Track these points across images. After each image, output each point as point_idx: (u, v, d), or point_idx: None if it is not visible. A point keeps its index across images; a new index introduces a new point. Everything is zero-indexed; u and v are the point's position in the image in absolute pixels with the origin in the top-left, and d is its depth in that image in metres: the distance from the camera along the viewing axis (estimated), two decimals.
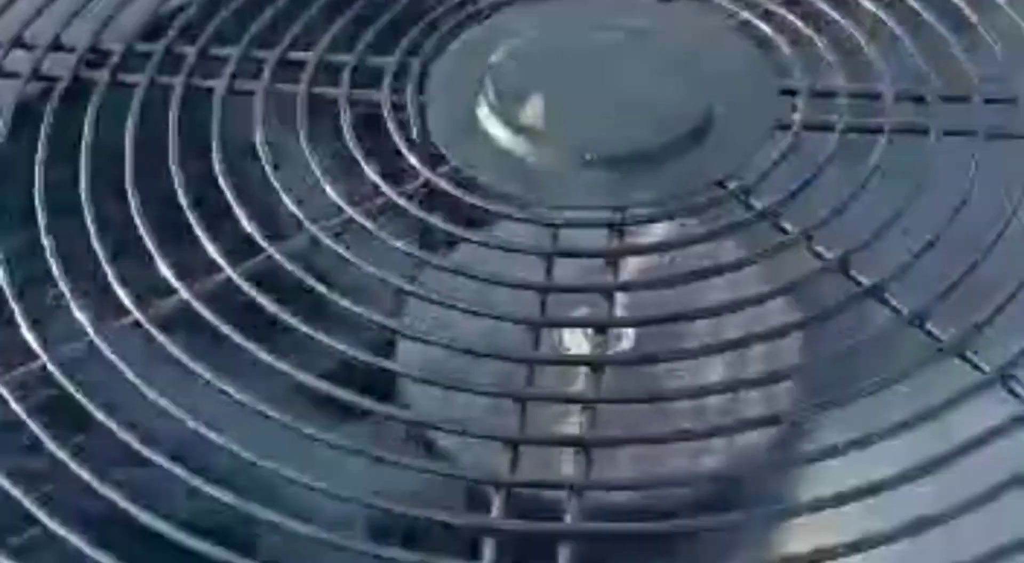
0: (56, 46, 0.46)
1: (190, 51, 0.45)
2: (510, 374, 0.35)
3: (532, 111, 0.41)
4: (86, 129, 0.42)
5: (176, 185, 0.40)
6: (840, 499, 0.31)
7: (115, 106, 0.44)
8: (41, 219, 0.39)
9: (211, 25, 0.46)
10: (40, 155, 0.42)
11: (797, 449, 0.36)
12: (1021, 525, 0.30)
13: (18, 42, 0.46)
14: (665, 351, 0.36)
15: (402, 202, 0.40)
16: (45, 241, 0.38)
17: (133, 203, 0.39)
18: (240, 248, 0.39)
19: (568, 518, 0.31)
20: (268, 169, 0.41)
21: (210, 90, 0.44)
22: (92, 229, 0.39)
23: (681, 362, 0.36)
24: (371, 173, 0.40)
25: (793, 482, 0.35)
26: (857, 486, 0.31)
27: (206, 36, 0.45)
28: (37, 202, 0.40)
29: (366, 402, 0.34)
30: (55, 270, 0.38)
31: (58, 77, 0.45)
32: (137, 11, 0.47)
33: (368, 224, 0.39)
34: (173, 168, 0.41)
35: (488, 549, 0.31)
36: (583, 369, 0.36)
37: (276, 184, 0.40)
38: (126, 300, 0.37)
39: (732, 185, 0.40)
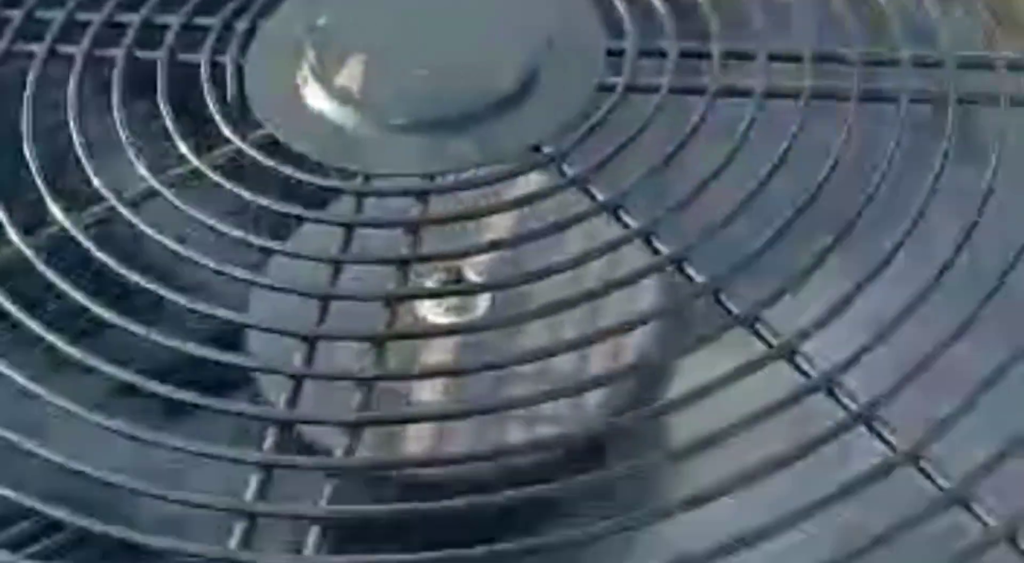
0: None
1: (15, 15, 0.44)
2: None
3: (349, 75, 0.40)
4: None
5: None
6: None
7: None
8: None
9: None
10: None
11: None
12: None
13: None
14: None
15: (206, 170, 0.39)
16: None
17: None
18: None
19: (324, 499, 0.31)
20: (75, 138, 0.40)
21: (30, 55, 0.43)
22: None
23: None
24: (178, 140, 0.39)
25: None
26: None
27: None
28: None
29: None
30: None
31: None
32: None
33: (168, 194, 0.38)
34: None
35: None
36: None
37: (80, 153, 0.39)
38: None
39: (547, 150, 0.39)
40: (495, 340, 0.38)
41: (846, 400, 0.32)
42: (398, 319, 0.35)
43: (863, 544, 0.28)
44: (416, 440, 0.41)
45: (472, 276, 0.44)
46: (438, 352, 0.41)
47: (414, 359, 0.40)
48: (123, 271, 0.36)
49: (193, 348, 0.34)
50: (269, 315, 0.36)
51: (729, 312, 0.34)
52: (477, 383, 0.37)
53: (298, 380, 0.33)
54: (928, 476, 0.30)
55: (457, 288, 0.37)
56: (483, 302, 0.45)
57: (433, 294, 0.39)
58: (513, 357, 0.34)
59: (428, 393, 0.41)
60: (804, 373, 0.33)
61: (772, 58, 0.40)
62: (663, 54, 0.41)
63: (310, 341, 0.34)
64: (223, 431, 0.33)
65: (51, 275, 0.36)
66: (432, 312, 0.44)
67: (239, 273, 0.36)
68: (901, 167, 0.37)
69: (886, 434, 0.31)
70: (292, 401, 0.33)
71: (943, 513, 0.30)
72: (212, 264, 0.36)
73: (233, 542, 0.30)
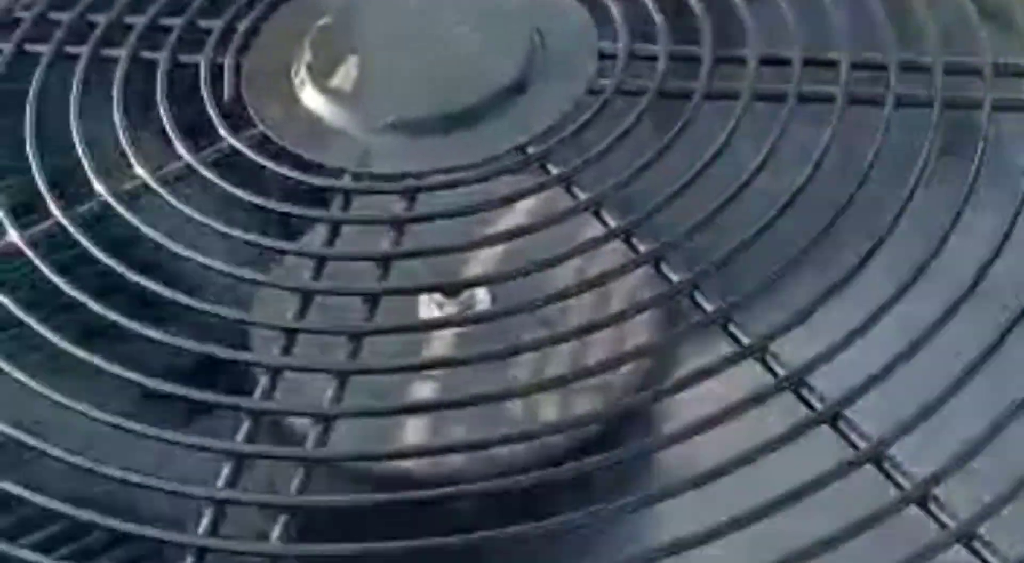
0: None
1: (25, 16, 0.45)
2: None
3: (342, 75, 0.41)
4: None
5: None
6: None
7: None
8: None
9: None
10: None
11: None
12: None
13: None
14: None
15: (198, 166, 0.39)
16: None
17: None
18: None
19: (293, 488, 0.31)
20: (75, 135, 0.40)
21: (38, 56, 0.44)
22: None
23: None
24: (174, 137, 0.40)
25: None
26: None
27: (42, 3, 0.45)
28: None
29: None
30: None
31: None
32: None
33: (162, 190, 0.39)
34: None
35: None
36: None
37: (80, 149, 0.40)
38: None
39: (532, 150, 0.39)
40: (484, 337, 0.38)
41: (853, 436, 0.31)
42: (382, 316, 0.36)
43: None
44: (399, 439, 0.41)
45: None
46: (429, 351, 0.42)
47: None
48: (119, 267, 0.37)
49: (177, 340, 0.34)
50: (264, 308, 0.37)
51: (737, 341, 0.34)
52: (464, 380, 0.37)
53: (274, 371, 0.34)
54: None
55: (432, 284, 0.38)
56: (482, 305, 0.46)
57: (412, 291, 0.39)
58: (480, 354, 0.34)
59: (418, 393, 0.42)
60: (809, 405, 0.32)
61: (763, 62, 0.40)
62: (654, 58, 0.41)
63: (289, 334, 0.35)
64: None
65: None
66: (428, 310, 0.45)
67: (228, 268, 0.36)
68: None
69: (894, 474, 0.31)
70: (268, 392, 0.33)
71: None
72: (201, 259, 0.36)
73: (200, 529, 0.31)
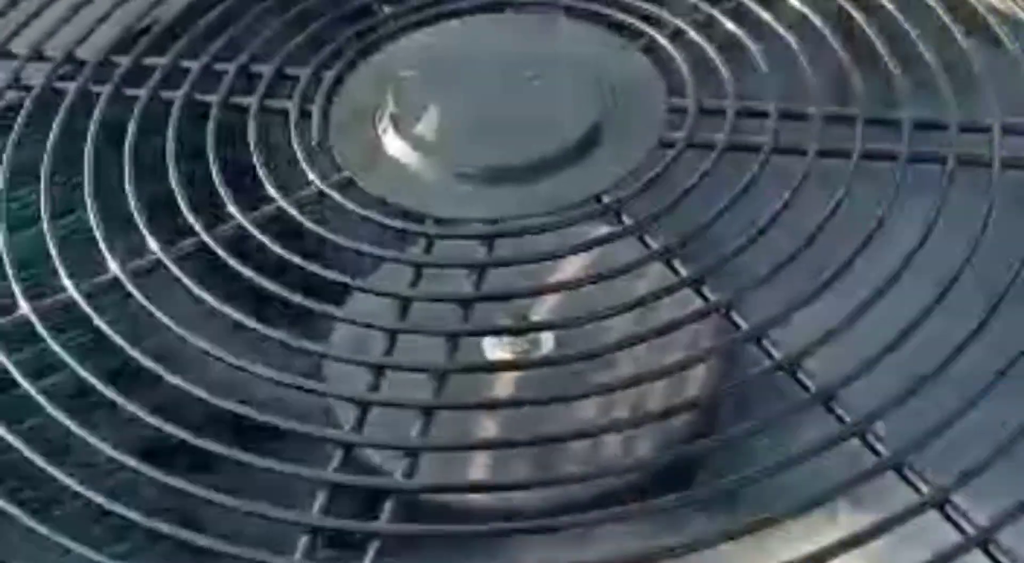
0: (38, 56, 0.48)
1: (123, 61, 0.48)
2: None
3: (426, 124, 0.43)
4: (53, 134, 0.45)
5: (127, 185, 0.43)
6: None
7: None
8: None
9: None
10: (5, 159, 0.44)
11: None
12: None
13: (3, 52, 0.49)
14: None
15: (291, 210, 0.41)
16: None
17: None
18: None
19: (383, 517, 0.33)
20: (172, 175, 0.43)
21: (135, 98, 0.46)
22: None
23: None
24: (265, 181, 0.42)
25: None
26: None
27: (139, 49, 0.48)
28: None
29: None
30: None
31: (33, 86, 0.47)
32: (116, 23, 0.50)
33: (256, 233, 0.41)
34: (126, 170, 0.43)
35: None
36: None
37: (176, 189, 0.42)
38: None
39: (607, 200, 0.41)
40: (554, 380, 0.40)
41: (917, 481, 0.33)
42: (461, 355, 0.38)
43: None
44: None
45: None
46: (500, 391, 0.43)
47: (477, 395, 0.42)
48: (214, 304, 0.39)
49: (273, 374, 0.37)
50: (343, 345, 0.39)
51: (804, 387, 0.35)
52: (533, 419, 0.39)
53: (364, 406, 0.36)
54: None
55: (513, 326, 0.40)
56: (547, 346, 0.48)
57: (494, 331, 0.41)
58: (569, 394, 0.36)
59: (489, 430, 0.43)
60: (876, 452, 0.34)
61: (827, 119, 0.42)
62: (722, 113, 0.43)
63: (376, 370, 0.37)
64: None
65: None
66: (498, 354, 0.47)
67: (318, 306, 0.38)
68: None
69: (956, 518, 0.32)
70: (358, 426, 0.35)
71: None
72: (294, 298, 0.39)
73: (297, 554, 0.33)
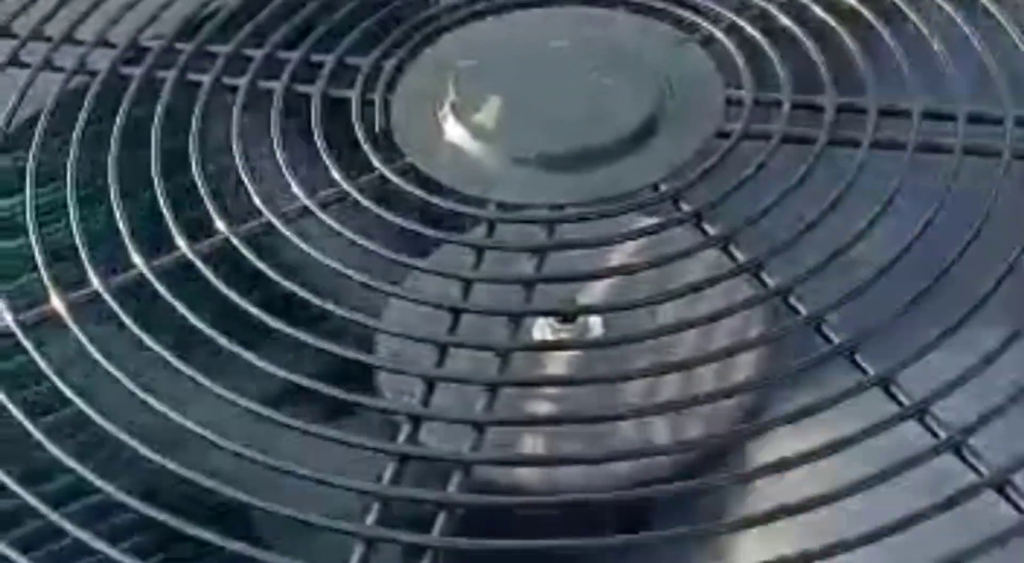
0: (103, 43, 0.49)
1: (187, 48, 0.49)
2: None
3: (486, 112, 0.44)
4: (119, 118, 0.46)
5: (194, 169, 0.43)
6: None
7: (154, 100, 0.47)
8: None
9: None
10: (74, 143, 0.45)
11: None
12: None
13: (68, 38, 0.50)
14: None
15: (354, 193, 0.42)
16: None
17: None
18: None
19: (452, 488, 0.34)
20: (238, 160, 0.44)
21: (198, 85, 0.47)
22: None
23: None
24: (330, 164, 0.43)
25: None
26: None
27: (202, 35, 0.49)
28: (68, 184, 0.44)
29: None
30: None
31: (99, 71, 0.48)
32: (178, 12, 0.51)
33: (320, 212, 0.42)
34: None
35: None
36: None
37: (242, 173, 0.43)
38: None
39: (664, 188, 0.42)
40: (606, 365, 0.41)
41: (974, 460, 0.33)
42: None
43: None
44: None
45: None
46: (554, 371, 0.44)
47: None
48: (279, 279, 0.40)
49: (339, 349, 0.37)
50: (402, 325, 0.40)
51: (863, 370, 0.36)
52: (587, 404, 0.40)
53: (430, 383, 0.37)
54: None
55: (576, 308, 0.41)
56: (596, 330, 0.48)
57: (556, 313, 0.42)
58: (637, 370, 0.37)
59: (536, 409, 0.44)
60: (934, 433, 0.34)
61: (882, 113, 0.43)
62: (778, 105, 0.44)
63: (441, 348, 0.38)
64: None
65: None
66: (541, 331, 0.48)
67: (384, 286, 0.39)
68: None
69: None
70: (425, 401, 0.36)
71: None
72: (358, 277, 0.39)
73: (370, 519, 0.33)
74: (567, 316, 0.47)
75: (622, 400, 0.40)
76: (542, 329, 0.48)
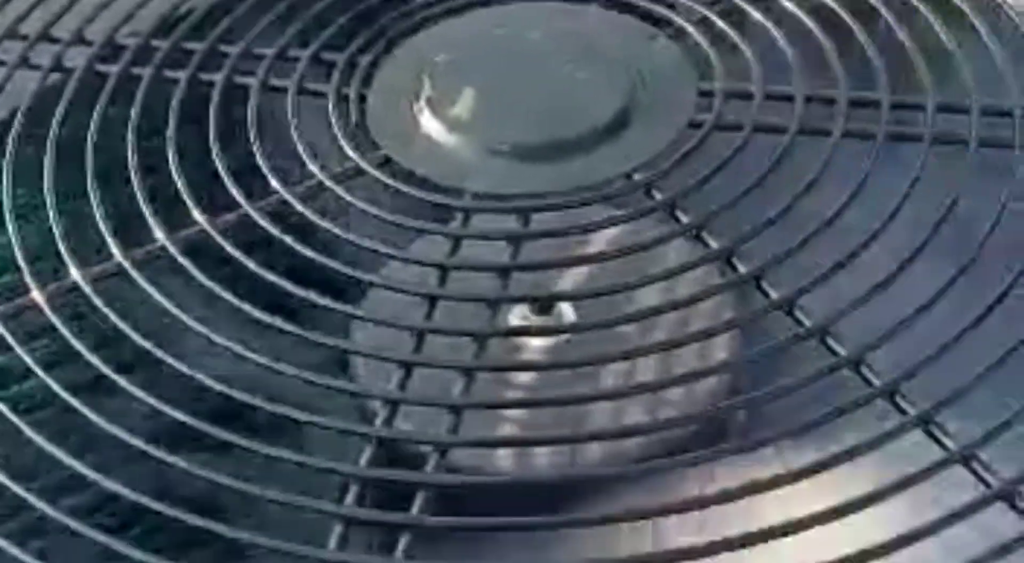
0: (79, 40, 0.50)
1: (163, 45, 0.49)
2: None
3: (462, 105, 0.44)
4: (95, 115, 0.46)
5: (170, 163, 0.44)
6: None
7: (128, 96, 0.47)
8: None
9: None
10: (51, 139, 0.45)
11: None
12: None
13: (45, 36, 0.50)
14: None
15: (329, 183, 0.43)
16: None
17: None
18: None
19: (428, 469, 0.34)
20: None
21: (175, 81, 0.48)
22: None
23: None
24: (306, 157, 0.44)
25: None
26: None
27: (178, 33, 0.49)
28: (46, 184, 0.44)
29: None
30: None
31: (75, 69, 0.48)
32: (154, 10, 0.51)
33: (299, 205, 0.42)
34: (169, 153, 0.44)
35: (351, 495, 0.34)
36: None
37: (217, 162, 0.44)
38: None
39: (638, 177, 0.42)
40: (578, 352, 0.41)
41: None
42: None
43: None
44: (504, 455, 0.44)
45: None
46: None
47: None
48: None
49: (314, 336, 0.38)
50: (381, 314, 0.40)
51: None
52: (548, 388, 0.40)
53: (407, 367, 0.37)
54: None
55: (551, 295, 0.41)
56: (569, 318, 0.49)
57: (532, 299, 0.42)
58: (613, 353, 0.37)
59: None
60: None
61: (852, 104, 0.43)
62: (750, 96, 0.44)
63: (419, 335, 0.38)
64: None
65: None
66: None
67: (361, 274, 0.40)
68: None
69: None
70: (402, 385, 0.37)
71: None
72: (334, 265, 0.40)
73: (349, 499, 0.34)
74: (542, 304, 0.48)
75: (596, 384, 0.40)
76: (518, 320, 0.49)
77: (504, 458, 0.44)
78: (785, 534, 0.32)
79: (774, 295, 0.38)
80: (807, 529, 0.32)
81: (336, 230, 0.41)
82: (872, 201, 0.40)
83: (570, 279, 0.47)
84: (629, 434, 0.36)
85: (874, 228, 0.39)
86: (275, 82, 0.47)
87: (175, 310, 0.39)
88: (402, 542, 0.33)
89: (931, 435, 0.34)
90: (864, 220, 0.40)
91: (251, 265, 0.40)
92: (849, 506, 0.32)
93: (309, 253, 0.40)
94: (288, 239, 0.41)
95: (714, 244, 0.40)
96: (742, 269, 0.39)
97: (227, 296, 0.39)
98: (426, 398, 0.37)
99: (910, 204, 0.40)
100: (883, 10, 0.46)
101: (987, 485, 0.33)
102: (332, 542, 0.34)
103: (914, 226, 0.40)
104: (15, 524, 0.36)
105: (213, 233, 0.41)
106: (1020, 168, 0.41)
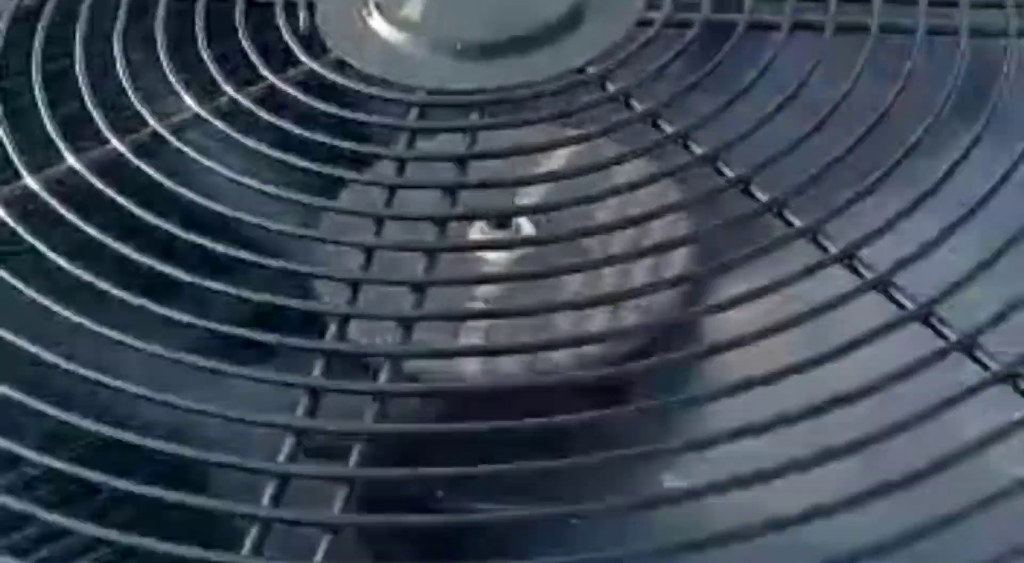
0: None
1: None
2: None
3: (409, 7, 0.44)
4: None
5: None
6: None
7: None
8: None
9: None
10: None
11: None
12: None
13: None
14: None
15: (284, 87, 0.42)
16: None
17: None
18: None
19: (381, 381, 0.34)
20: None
21: None
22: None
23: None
24: (257, 61, 0.43)
25: None
26: None
27: None
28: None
29: None
30: None
31: None
32: None
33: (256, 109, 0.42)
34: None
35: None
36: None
37: (168, 71, 0.43)
38: None
39: (591, 71, 0.42)
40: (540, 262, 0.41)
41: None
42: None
43: None
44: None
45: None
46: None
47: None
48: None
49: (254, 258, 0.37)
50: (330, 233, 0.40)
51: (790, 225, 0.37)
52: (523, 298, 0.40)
53: (355, 286, 0.36)
54: None
55: (505, 209, 0.41)
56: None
57: (480, 216, 0.42)
58: (561, 268, 0.37)
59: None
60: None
61: None
62: None
63: (368, 251, 0.37)
64: None
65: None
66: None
67: (303, 197, 0.39)
68: None
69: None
70: (351, 303, 0.36)
71: None
72: (271, 190, 0.39)
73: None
74: (500, 219, 0.47)
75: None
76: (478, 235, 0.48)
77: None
78: None
79: (730, 173, 0.38)
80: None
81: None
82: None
83: (531, 194, 0.46)
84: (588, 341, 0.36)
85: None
86: None
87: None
88: (354, 453, 0.33)
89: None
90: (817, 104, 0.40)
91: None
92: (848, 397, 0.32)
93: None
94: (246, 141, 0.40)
95: (669, 129, 0.40)
96: (698, 150, 0.39)
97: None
98: (387, 277, 0.36)
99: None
100: None
101: (987, 369, 0.33)
102: (283, 455, 0.33)
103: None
104: None
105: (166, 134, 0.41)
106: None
